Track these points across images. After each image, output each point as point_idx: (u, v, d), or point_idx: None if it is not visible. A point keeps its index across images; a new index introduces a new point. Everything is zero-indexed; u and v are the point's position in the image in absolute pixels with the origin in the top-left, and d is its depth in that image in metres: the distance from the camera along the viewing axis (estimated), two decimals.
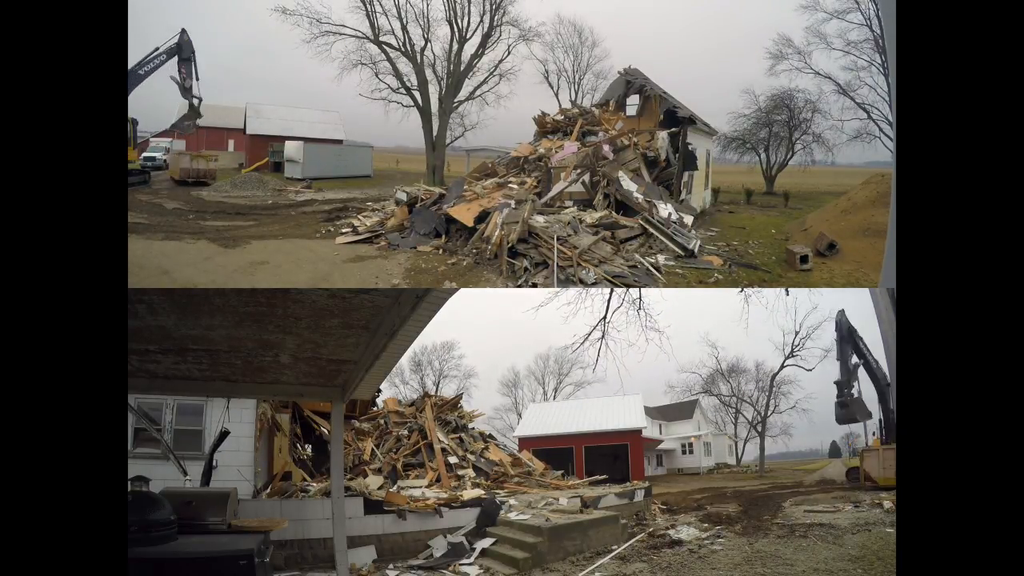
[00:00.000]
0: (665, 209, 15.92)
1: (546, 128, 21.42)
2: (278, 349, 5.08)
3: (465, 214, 14.23)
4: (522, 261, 12.49)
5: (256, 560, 5.47)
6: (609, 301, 19.13)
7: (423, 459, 15.45)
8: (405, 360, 43.58)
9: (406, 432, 16.60)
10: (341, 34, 28.73)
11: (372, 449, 15.65)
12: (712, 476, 36.07)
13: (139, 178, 23.86)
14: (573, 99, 34.65)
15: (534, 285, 12.12)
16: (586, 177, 16.12)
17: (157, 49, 21.82)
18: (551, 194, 15.59)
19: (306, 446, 14.94)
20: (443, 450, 15.82)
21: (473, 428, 18.85)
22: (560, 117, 22.05)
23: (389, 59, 29.16)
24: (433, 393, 22.69)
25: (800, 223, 19.70)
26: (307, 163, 29.47)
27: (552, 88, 35.22)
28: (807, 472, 31.13)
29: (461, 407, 19.53)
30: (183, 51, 22.47)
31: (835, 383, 22.52)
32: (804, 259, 14.24)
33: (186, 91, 23.20)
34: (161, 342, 4.88)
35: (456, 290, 4.83)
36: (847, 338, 21.79)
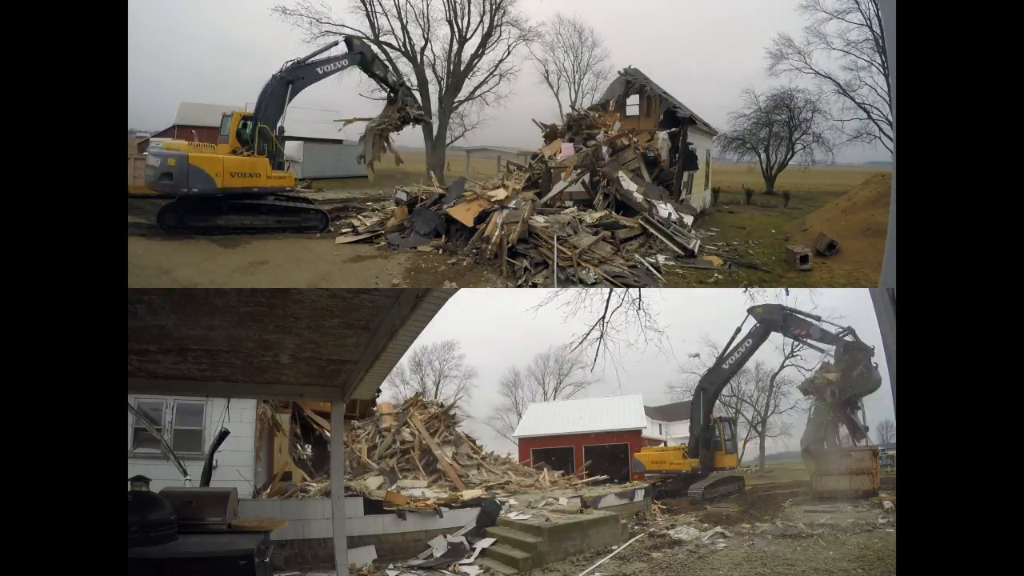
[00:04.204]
0: (665, 209, 15.92)
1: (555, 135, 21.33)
2: (278, 349, 5.08)
3: (465, 214, 14.22)
4: (522, 261, 12.48)
5: (256, 560, 5.47)
6: (608, 301, 19.10)
7: (423, 462, 15.41)
8: (405, 360, 43.48)
9: (404, 437, 16.54)
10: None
11: (369, 451, 15.62)
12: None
13: None
14: (573, 99, 34.70)
15: (534, 285, 12.11)
16: (586, 177, 16.12)
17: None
18: (551, 194, 15.59)
19: (306, 446, 14.93)
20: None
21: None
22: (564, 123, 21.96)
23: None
24: (423, 398, 21.97)
25: (800, 223, 19.70)
26: (307, 163, 29.44)
27: (552, 88, 35.25)
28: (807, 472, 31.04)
29: (454, 415, 19.05)
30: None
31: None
32: (804, 259, 14.23)
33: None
34: (161, 342, 4.88)
35: (456, 290, 4.83)
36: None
